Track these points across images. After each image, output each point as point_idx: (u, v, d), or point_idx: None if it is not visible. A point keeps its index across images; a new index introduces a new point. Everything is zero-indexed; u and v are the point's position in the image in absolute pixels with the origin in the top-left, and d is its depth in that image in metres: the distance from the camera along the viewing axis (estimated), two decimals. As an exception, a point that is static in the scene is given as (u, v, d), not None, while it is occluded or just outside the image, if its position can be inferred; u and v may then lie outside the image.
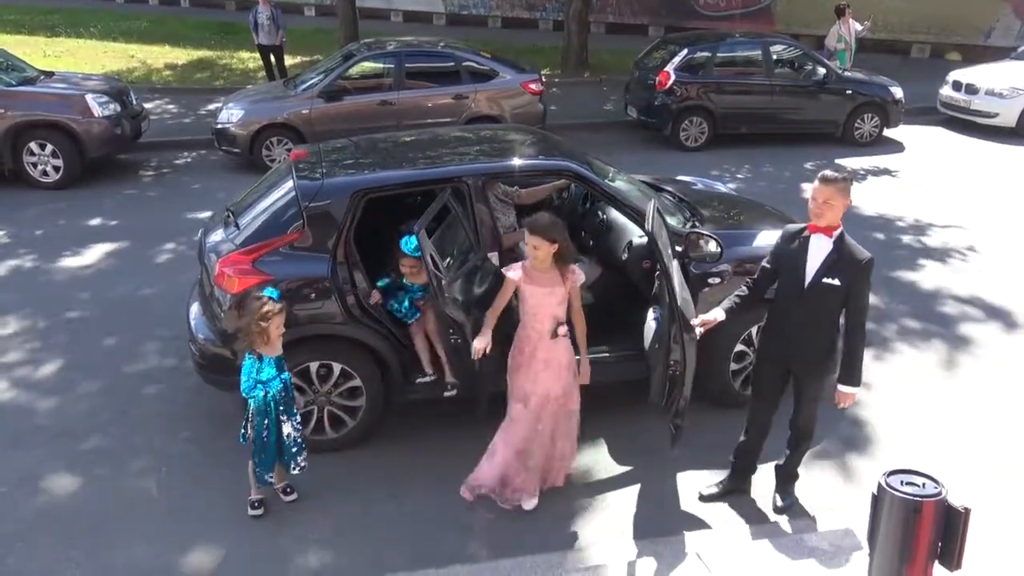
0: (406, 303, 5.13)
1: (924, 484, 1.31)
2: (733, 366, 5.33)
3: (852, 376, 4.11)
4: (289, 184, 5.14)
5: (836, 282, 3.98)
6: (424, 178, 5.30)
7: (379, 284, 5.15)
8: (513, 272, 4.34)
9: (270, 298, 4.28)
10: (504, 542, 4.30)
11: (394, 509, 4.57)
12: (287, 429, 4.37)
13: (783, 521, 4.43)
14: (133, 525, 4.44)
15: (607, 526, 4.43)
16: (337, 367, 4.92)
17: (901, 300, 7.33)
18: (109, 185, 10.53)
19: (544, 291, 4.30)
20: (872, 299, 7.13)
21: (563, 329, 4.36)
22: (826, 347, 4.20)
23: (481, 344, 4.28)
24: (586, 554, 4.17)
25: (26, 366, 6.10)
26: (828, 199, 3.98)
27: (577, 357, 4.51)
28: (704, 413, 5.14)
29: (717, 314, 4.30)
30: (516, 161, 5.41)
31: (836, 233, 4.01)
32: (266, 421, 4.32)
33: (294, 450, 4.45)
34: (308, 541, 4.30)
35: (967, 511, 1.31)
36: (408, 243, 4.95)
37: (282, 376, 4.38)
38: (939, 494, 1.31)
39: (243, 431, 4.40)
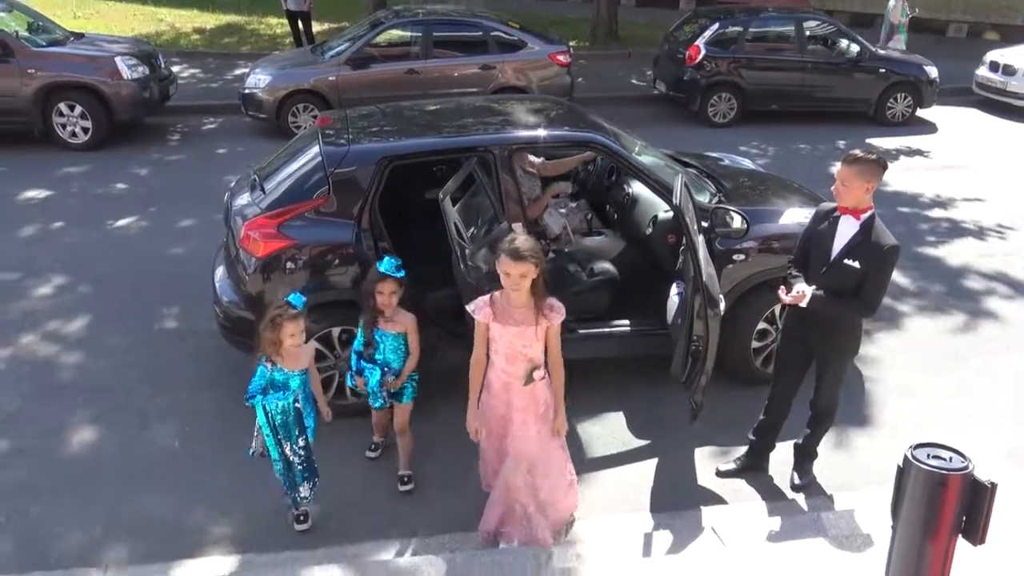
0: (376, 376, 4.30)
1: (951, 458, 1.30)
2: (755, 344, 5.31)
3: (823, 299, 3.96)
4: (315, 150, 5.15)
5: (857, 265, 3.91)
6: (450, 146, 5.28)
7: (356, 346, 4.40)
8: (479, 312, 3.67)
9: (287, 303, 3.89)
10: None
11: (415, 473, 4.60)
12: (287, 452, 4.00)
13: (800, 499, 4.42)
14: (155, 481, 4.52)
15: (623, 499, 4.44)
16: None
17: (929, 278, 7.27)
18: (137, 148, 10.60)
19: (516, 330, 3.65)
20: (899, 276, 7.15)
21: (539, 373, 3.75)
22: (846, 328, 4.16)
23: (474, 426, 3.85)
24: (602, 526, 4.19)
25: (54, 323, 6.20)
26: (844, 180, 3.92)
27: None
28: (724, 390, 5.13)
29: (806, 288, 4.04)
30: (543, 132, 5.38)
31: (864, 216, 3.94)
32: (268, 437, 3.98)
33: (300, 469, 4.06)
34: (326, 499, 4.34)
35: (993, 486, 1.30)
36: (386, 263, 4.22)
37: (286, 397, 3.94)
38: (965, 468, 1.30)
39: (252, 446, 4.09)
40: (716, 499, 4.45)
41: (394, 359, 4.31)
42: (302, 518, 4.19)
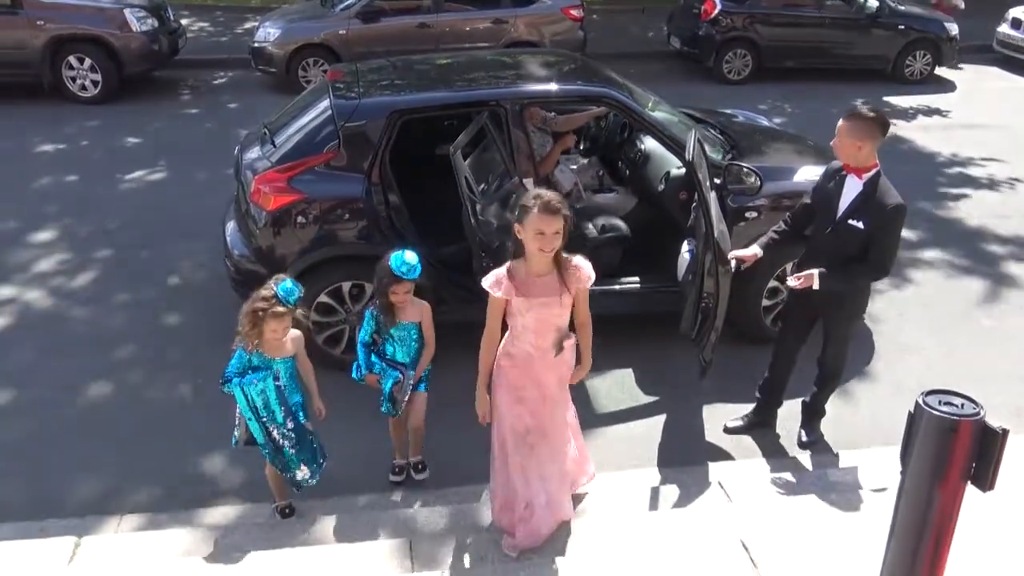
0: (389, 384, 3.95)
1: (962, 404, 1.30)
2: (765, 302, 5.29)
3: (829, 277, 3.93)
4: (325, 103, 5.11)
5: (860, 225, 3.85)
6: (461, 100, 5.24)
7: (362, 337, 4.01)
8: (498, 288, 3.20)
9: (275, 297, 3.47)
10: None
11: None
12: (274, 435, 3.65)
13: (807, 456, 4.45)
14: (167, 433, 4.57)
15: (631, 454, 4.48)
16: (369, 287, 4.95)
17: (943, 238, 7.22)
18: (146, 102, 10.56)
19: (543, 301, 3.24)
20: (913, 235, 7.10)
21: (570, 341, 3.43)
22: (853, 290, 4.14)
23: (483, 409, 3.49)
24: (609, 481, 4.22)
25: (66, 276, 6.24)
26: (838, 134, 3.88)
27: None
28: (733, 347, 5.13)
29: (755, 249, 4.24)
30: (555, 86, 5.32)
31: (867, 175, 3.88)
32: (251, 421, 3.63)
33: (292, 452, 3.70)
34: (333, 454, 4.38)
35: (1005, 432, 1.30)
36: (398, 261, 3.79)
37: (265, 377, 3.57)
38: (977, 415, 1.30)
39: (235, 435, 3.76)
40: (723, 455, 4.48)
41: (401, 352, 3.98)
42: (287, 511, 3.90)
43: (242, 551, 3.54)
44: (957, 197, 8.21)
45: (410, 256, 3.79)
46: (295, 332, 3.69)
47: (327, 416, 3.82)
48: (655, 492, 4.07)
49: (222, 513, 4.02)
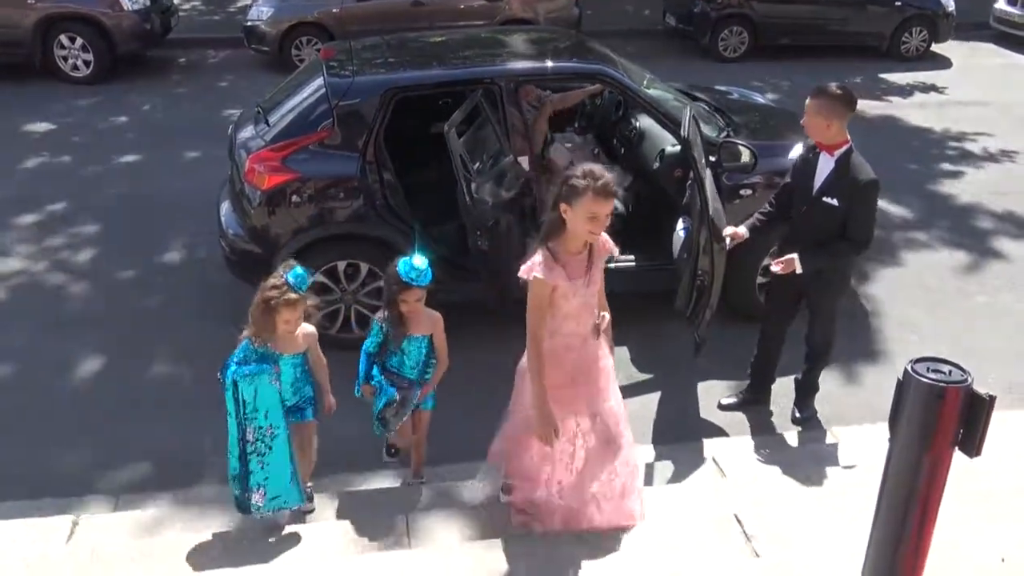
0: (382, 403, 3.59)
1: (950, 371, 1.32)
2: (760, 279, 5.29)
3: (808, 257, 3.93)
4: (319, 81, 5.08)
5: (835, 202, 3.87)
6: (456, 78, 5.22)
7: (367, 346, 3.69)
8: (551, 273, 2.96)
9: (286, 283, 3.27)
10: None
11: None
12: (248, 436, 3.30)
13: (801, 432, 4.47)
14: (162, 411, 4.59)
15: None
16: (364, 267, 4.96)
17: (937, 214, 7.24)
18: (139, 81, 10.50)
19: (583, 280, 3.06)
20: (906, 212, 7.11)
21: (605, 320, 3.27)
22: (833, 266, 4.14)
23: (553, 425, 3.12)
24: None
25: (59, 255, 6.23)
26: (806, 112, 3.89)
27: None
28: (728, 325, 5.14)
29: (741, 230, 4.25)
30: (550, 64, 5.30)
31: (838, 152, 3.88)
32: (229, 416, 3.33)
33: (257, 466, 3.31)
34: (329, 432, 4.39)
35: (992, 399, 1.32)
36: (406, 266, 3.47)
37: (261, 371, 3.26)
38: (965, 381, 1.32)
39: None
40: (718, 432, 4.51)
41: (409, 367, 3.68)
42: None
43: (239, 528, 3.57)
44: (952, 174, 8.21)
45: (419, 260, 3.49)
46: (308, 328, 3.49)
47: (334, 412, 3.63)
48: (650, 468, 4.09)
49: (219, 491, 4.03)
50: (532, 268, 2.99)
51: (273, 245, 4.86)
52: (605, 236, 3.12)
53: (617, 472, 3.32)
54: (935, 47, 12.56)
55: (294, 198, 4.83)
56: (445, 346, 3.72)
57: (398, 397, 3.58)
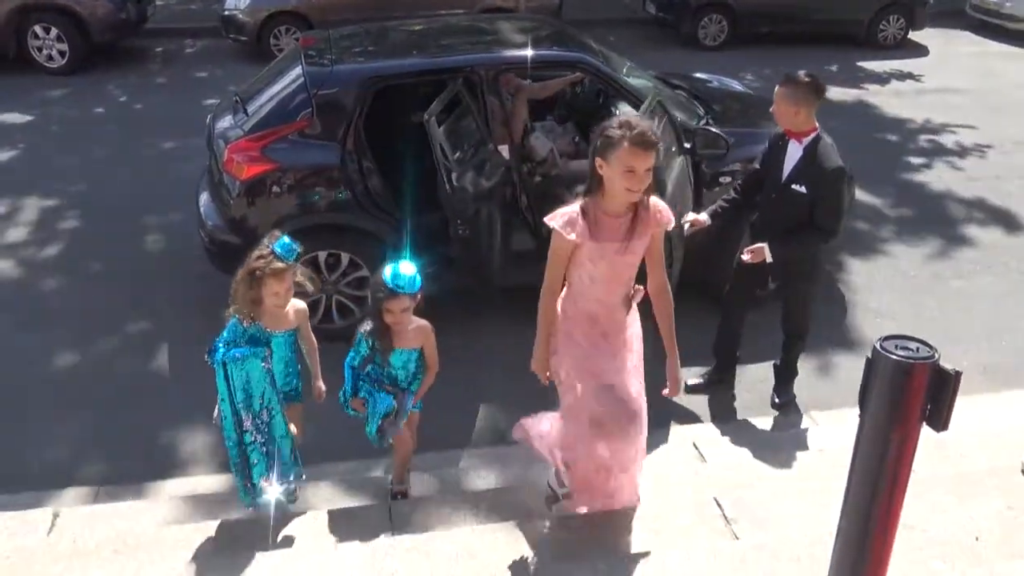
0: (380, 414, 3.40)
1: (917, 348, 1.35)
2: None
3: (777, 246, 3.97)
4: (298, 70, 5.06)
5: (803, 190, 3.92)
6: (436, 67, 5.20)
7: (350, 360, 3.46)
8: (570, 228, 2.79)
9: (272, 252, 3.12)
10: (504, 429, 4.41)
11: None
12: (247, 424, 3.24)
13: (779, 417, 4.52)
14: (142, 403, 4.57)
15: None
16: (345, 257, 4.95)
17: (911, 202, 7.31)
18: (115, 72, 10.39)
19: (618, 247, 2.83)
20: (880, 200, 7.18)
21: (640, 294, 3.07)
22: (802, 253, 4.18)
23: (544, 365, 3.13)
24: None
25: (36, 248, 6.18)
26: (775, 100, 3.94)
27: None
28: (706, 312, 5.17)
29: (702, 217, 4.28)
30: (530, 52, 5.29)
31: (807, 139, 3.93)
32: (223, 402, 3.25)
33: (261, 451, 3.27)
34: (316, 420, 4.40)
35: (958, 374, 1.36)
36: (393, 272, 3.25)
37: (255, 355, 3.18)
38: (931, 357, 1.36)
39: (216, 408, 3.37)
40: (698, 417, 4.54)
41: (402, 375, 3.48)
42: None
43: (219, 519, 3.56)
44: (927, 161, 8.29)
45: (406, 267, 3.25)
46: (299, 304, 3.36)
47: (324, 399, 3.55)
48: (632, 453, 4.12)
49: (199, 483, 4.03)
50: (555, 217, 2.83)
51: (253, 236, 4.80)
52: (663, 206, 2.91)
53: (637, 451, 3.20)
54: (912, 35, 12.66)
55: (274, 188, 4.81)
56: (435, 356, 3.52)
57: (396, 406, 3.39)
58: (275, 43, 10.74)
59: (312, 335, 3.50)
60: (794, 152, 3.97)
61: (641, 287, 3.06)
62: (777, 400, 4.59)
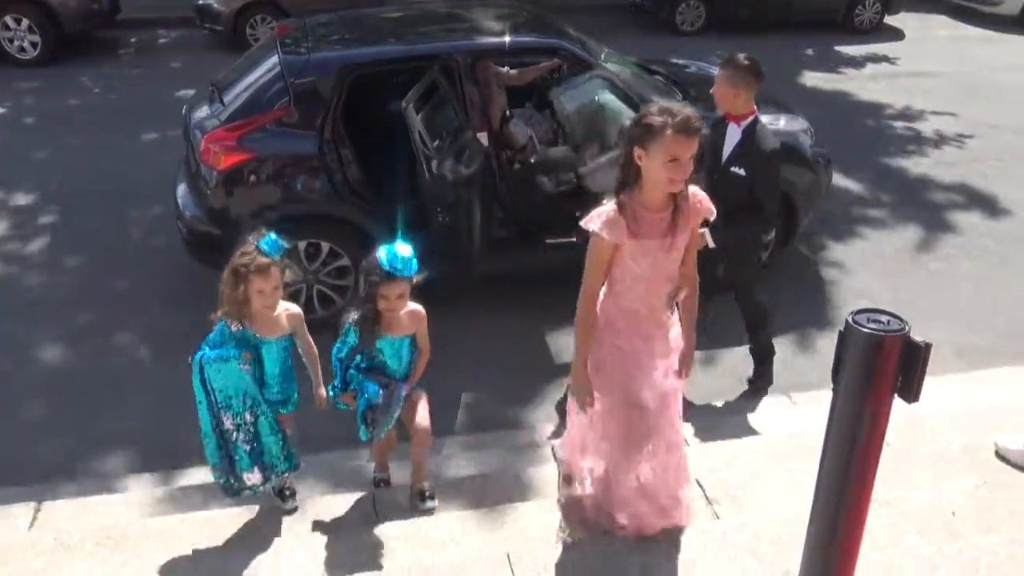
0: (364, 404, 3.24)
1: (888, 321, 1.38)
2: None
3: (716, 232, 3.89)
4: (274, 59, 5.02)
5: (742, 172, 3.95)
6: (413, 54, 5.19)
7: (337, 352, 3.26)
8: (610, 229, 2.60)
9: (256, 248, 2.99)
10: (484, 416, 4.43)
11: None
12: (227, 424, 3.14)
13: (758, 398, 4.55)
14: (126, 397, 4.54)
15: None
16: (325, 246, 4.93)
17: (889, 186, 7.37)
18: (88, 63, 10.27)
19: (661, 243, 2.66)
20: (858, 184, 7.24)
21: (684, 293, 2.89)
22: (742, 237, 4.19)
23: (584, 393, 2.90)
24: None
25: (13, 242, 6.11)
26: (716, 85, 3.98)
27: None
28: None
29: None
30: (508, 39, 5.28)
31: (744, 123, 3.96)
32: (200, 404, 3.13)
33: (244, 449, 3.16)
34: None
35: (928, 346, 1.39)
36: (390, 254, 3.04)
37: (230, 355, 3.04)
38: (902, 330, 1.39)
39: None
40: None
41: (394, 363, 3.28)
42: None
43: (204, 511, 3.56)
44: (904, 145, 8.36)
45: (403, 249, 3.04)
46: (293, 307, 3.22)
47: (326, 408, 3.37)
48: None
49: (185, 475, 4.01)
50: (592, 219, 2.64)
51: (232, 226, 4.80)
52: (702, 195, 2.74)
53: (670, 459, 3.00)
54: (888, 19, 12.74)
55: (251, 178, 4.78)
56: (427, 341, 3.33)
57: (381, 395, 3.20)
58: (251, 32, 10.65)
59: (310, 339, 3.31)
60: (733, 135, 4.01)
61: (686, 288, 2.89)
62: (755, 380, 4.61)
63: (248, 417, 3.13)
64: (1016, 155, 8.07)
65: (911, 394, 1.40)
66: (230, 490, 3.28)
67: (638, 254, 2.65)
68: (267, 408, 3.17)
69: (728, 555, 2.95)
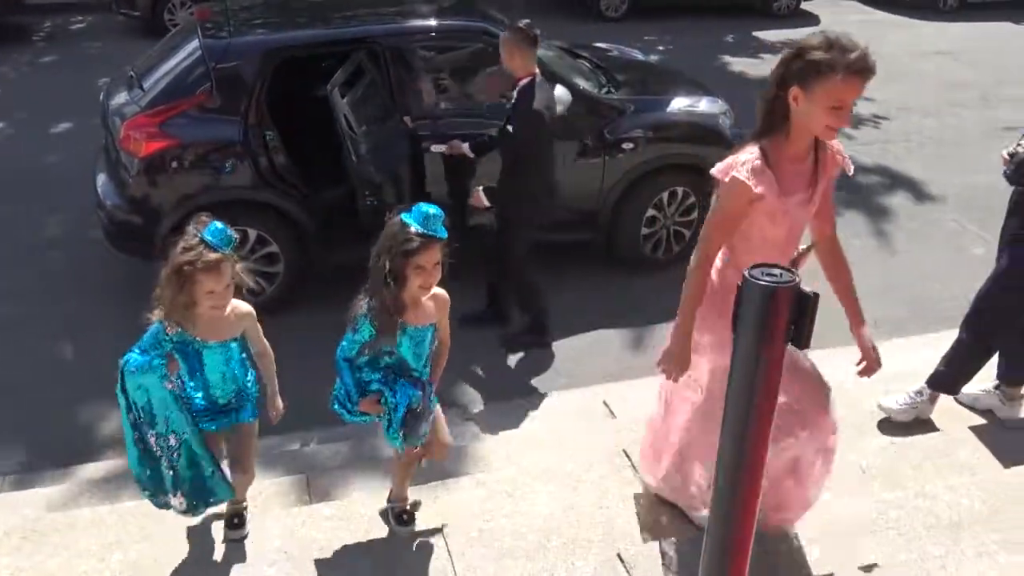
0: (403, 408, 2.70)
1: (781, 274, 1.51)
2: (644, 230, 5.48)
3: (487, 191, 4.32)
4: (195, 44, 4.95)
5: (510, 128, 4.22)
6: (337, 37, 5.17)
7: (345, 351, 2.72)
8: (753, 177, 2.21)
9: (202, 241, 2.52)
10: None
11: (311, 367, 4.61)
12: (150, 440, 2.67)
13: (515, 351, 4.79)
14: (51, 392, 4.44)
15: (520, 381, 4.65)
16: (253, 233, 4.88)
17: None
18: (-1, 50, 9.88)
19: (797, 199, 2.31)
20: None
21: (806, 257, 2.35)
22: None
23: (682, 363, 2.48)
24: (499, 409, 4.37)
25: (-74, 238, 5.88)
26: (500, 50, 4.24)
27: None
28: (614, 277, 5.33)
29: (464, 145, 4.56)
30: (433, 21, 5.30)
31: (522, 83, 4.19)
32: (123, 412, 2.69)
33: (168, 472, 2.68)
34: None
35: (816, 296, 1.52)
36: (419, 215, 2.55)
37: (148, 376, 2.57)
38: (793, 281, 1.52)
39: None
40: (611, 377, 4.68)
41: (413, 360, 2.78)
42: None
43: (135, 500, 3.51)
44: (821, 126, 8.64)
45: (427, 206, 2.58)
46: (243, 306, 2.75)
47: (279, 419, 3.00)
48: (548, 411, 4.26)
49: (114, 467, 3.95)
50: (733, 166, 2.21)
51: (155, 214, 4.73)
52: (838, 144, 2.41)
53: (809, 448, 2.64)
54: (804, 5, 13.13)
55: (174, 165, 4.71)
56: (448, 329, 2.88)
57: (423, 396, 2.73)
58: (170, 18, 10.39)
59: (265, 342, 2.87)
60: (513, 97, 4.24)
61: (805, 248, 2.40)
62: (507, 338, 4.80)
63: (172, 441, 2.66)
64: (924, 136, 8.44)
65: (802, 340, 1.53)
66: (158, 504, 2.85)
67: (778, 213, 2.27)
68: (193, 431, 2.67)
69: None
